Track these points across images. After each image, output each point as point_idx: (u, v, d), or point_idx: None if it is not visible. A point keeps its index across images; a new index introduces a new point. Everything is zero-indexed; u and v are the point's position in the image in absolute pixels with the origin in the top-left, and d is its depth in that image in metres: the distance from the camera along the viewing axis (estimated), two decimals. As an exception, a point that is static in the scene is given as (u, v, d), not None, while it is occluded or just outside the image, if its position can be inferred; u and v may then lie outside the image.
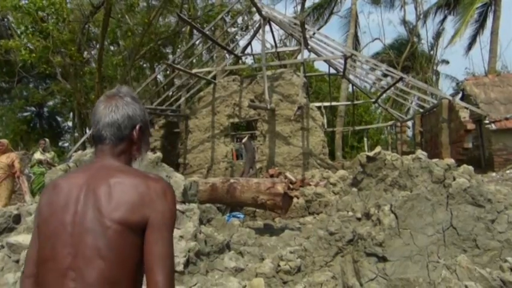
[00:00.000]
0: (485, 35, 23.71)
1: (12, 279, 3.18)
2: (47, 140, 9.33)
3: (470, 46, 25.02)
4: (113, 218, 1.21)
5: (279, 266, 3.75)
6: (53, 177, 4.04)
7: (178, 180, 4.27)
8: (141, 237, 1.24)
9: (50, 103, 27.44)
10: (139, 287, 1.27)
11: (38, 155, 8.80)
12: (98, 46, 16.43)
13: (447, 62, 31.51)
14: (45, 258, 1.24)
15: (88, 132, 15.55)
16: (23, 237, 3.45)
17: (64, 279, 1.19)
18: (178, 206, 4.07)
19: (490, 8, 22.10)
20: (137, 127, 1.40)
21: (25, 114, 26.89)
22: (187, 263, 3.50)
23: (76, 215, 1.24)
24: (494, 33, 20.61)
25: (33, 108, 27.44)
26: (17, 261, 3.29)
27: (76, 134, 24.16)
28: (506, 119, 12.43)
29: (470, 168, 3.80)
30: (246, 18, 18.41)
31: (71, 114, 26.87)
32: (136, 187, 1.26)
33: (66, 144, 30.14)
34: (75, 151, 10.22)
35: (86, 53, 18.62)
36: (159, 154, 4.33)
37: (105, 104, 1.40)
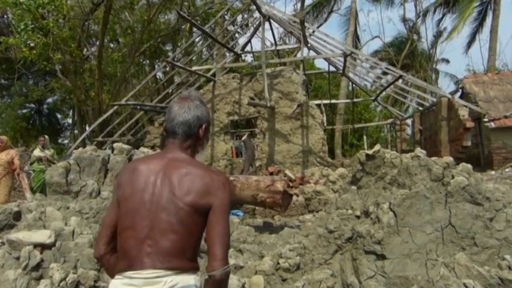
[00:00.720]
0: (485, 33, 23.71)
1: (13, 275, 3.20)
2: (46, 137, 9.33)
3: (469, 44, 25.01)
4: (185, 201, 1.57)
5: (278, 263, 3.77)
6: (54, 174, 4.06)
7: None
8: (204, 218, 1.59)
9: (50, 100, 27.40)
10: (197, 255, 1.66)
11: (37, 152, 8.80)
12: (97, 43, 16.43)
13: (447, 61, 31.46)
14: (126, 226, 1.59)
15: (88, 129, 15.55)
16: (23, 234, 3.47)
17: (142, 244, 1.54)
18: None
19: (489, 6, 22.08)
20: (203, 126, 1.76)
21: (25, 111, 26.84)
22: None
23: (154, 196, 1.59)
24: (493, 31, 20.60)
25: (32, 105, 27.39)
26: (18, 258, 3.30)
27: (76, 131, 24.14)
28: (506, 117, 12.43)
29: (469, 166, 3.82)
30: (245, 16, 18.39)
31: (71, 111, 26.85)
32: (203, 178, 1.62)
33: (65, 141, 30.13)
34: (75, 148, 10.23)
35: (85, 50, 18.60)
36: (159, 152, 4.36)
37: (179, 105, 1.75)
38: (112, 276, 1.65)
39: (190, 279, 1.57)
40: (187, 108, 1.74)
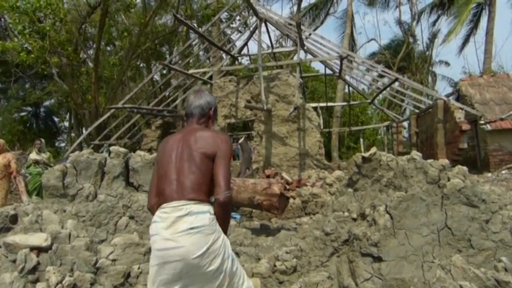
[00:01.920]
0: (480, 35, 23.90)
1: (9, 279, 3.19)
2: (42, 140, 9.32)
3: (463, 46, 25.17)
4: (199, 152, 2.29)
5: (275, 266, 3.77)
6: (50, 177, 4.06)
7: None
8: (212, 162, 2.28)
9: (47, 103, 27.34)
10: (210, 189, 2.28)
11: (33, 155, 8.79)
12: (94, 46, 16.42)
13: (447, 63, 31.56)
14: (161, 176, 2.33)
15: (84, 132, 15.51)
16: (19, 237, 3.45)
17: (171, 185, 2.25)
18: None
19: (484, 8, 22.22)
20: (212, 108, 2.55)
21: (21, 114, 26.79)
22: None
23: (178, 153, 2.33)
24: (489, 33, 20.74)
25: (29, 108, 27.34)
26: (14, 261, 3.29)
27: (73, 134, 24.08)
28: (501, 119, 12.50)
29: (465, 168, 3.83)
30: (242, 18, 18.42)
31: (68, 114, 26.79)
32: (210, 136, 2.36)
33: (62, 145, 30.07)
34: (72, 151, 10.21)
35: (82, 53, 18.59)
36: (155, 155, 4.34)
37: (194, 95, 2.56)
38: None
39: (204, 206, 2.22)
40: (200, 96, 2.53)
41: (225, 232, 2.31)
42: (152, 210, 2.36)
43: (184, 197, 2.19)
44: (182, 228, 2.12)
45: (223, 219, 2.29)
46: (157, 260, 2.17)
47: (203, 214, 2.17)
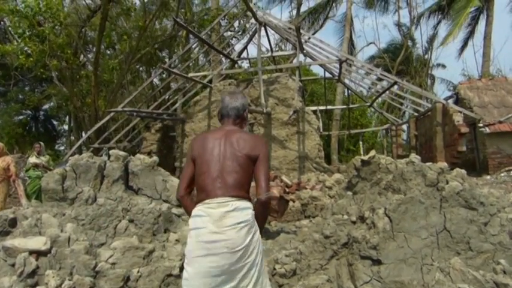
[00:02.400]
0: (478, 39, 24.00)
1: (8, 282, 3.19)
2: (42, 143, 9.32)
3: (462, 49, 25.25)
4: (242, 153, 2.45)
5: (274, 269, 3.78)
6: (50, 181, 4.06)
7: (174, 184, 4.28)
8: (254, 163, 2.47)
9: (46, 106, 27.34)
10: (250, 187, 2.49)
11: (33, 159, 8.79)
12: (94, 50, 16.45)
13: (444, 66, 31.66)
14: (203, 172, 2.45)
15: (84, 135, 15.51)
16: (18, 241, 3.45)
17: (215, 182, 2.39)
18: (175, 210, 4.09)
19: (482, 12, 22.31)
20: (246, 110, 2.73)
21: (21, 117, 26.76)
22: (183, 267, 3.52)
23: (220, 151, 2.46)
24: (487, 37, 20.83)
25: (29, 112, 27.33)
26: (13, 265, 3.29)
27: (72, 138, 24.07)
28: (500, 122, 12.53)
29: (463, 171, 3.85)
30: (242, 22, 18.46)
31: (67, 117, 26.78)
32: (251, 139, 2.53)
33: (62, 148, 30.04)
34: (72, 155, 10.21)
35: (82, 56, 18.61)
36: (155, 158, 4.34)
37: (229, 96, 2.71)
38: (189, 211, 2.53)
39: (247, 203, 2.41)
40: (235, 98, 2.70)
41: (261, 229, 2.52)
42: (182, 200, 2.58)
43: (228, 193, 2.37)
44: (230, 223, 2.32)
45: (262, 217, 2.55)
46: (203, 252, 2.32)
47: (246, 210, 2.38)
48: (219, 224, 2.31)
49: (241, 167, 2.43)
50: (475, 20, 23.33)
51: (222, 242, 2.29)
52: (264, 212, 2.54)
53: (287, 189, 7.55)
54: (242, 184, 2.42)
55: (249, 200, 2.45)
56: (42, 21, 13.03)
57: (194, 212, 2.43)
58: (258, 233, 2.45)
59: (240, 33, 18.19)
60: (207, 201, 2.38)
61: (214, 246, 2.29)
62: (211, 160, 2.45)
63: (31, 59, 12.87)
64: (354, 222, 3.97)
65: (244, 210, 2.37)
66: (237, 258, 2.30)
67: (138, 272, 3.38)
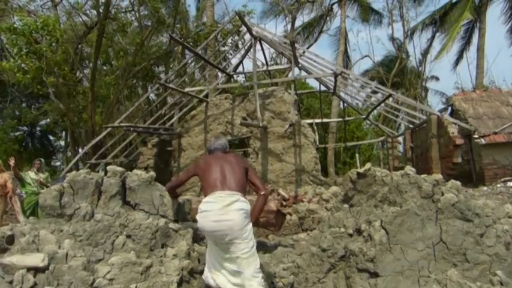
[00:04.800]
0: (472, 51, 24.23)
1: (5, 301, 3.17)
2: (42, 160, 9.33)
3: (457, 62, 25.51)
4: (237, 165, 3.62)
5: (272, 283, 3.78)
6: (47, 197, 4.06)
7: (171, 199, 4.30)
8: (246, 172, 3.66)
9: (43, 122, 27.31)
10: (245, 190, 3.56)
11: (32, 175, 8.77)
12: (91, 66, 16.53)
13: (437, 78, 31.97)
14: (212, 175, 3.52)
15: (81, 151, 15.49)
16: (16, 258, 3.45)
17: (223, 181, 3.46)
18: (172, 225, 4.09)
19: (475, 25, 22.63)
20: (227, 148, 3.98)
21: (17, 133, 26.70)
22: (180, 282, 3.52)
23: (222, 165, 3.59)
24: (480, 49, 21.10)
25: (25, 128, 27.27)
26: (11, 282, 3.28)
27: (69, 153, 24.02)
28: (495, 133, 12.63)
29: (458, 183, 3.88)
30: (237, 37, 18.65)
31: (64, 133, 26.75)
32: (238, 157, 3.80)
33: (58, 164, 29.92)
34: (68, 171, 10.18)
35: (79, 72, 18.69)
36: (152, 173, 4.35)
37: (215, 139, 4.07)
38: (171, 196, 4.31)
39: (245, 199, 3.43)
40: (220, 139, 4.04)
41: (257, 218, 3.79)
42: (170, 192, 4.27)
43: (233, 189, 3.40)
44: (235, 208, 3.29)
45: (260, 208, 3.65)
46: (211, 228, 3.31)
47: (246, 203, 3.40)
48: (227, 208, 3.27)
49: (239, 174, 3.55)
50: (468, 33, 23.64)
51: (226, 222, 3.24)
52: (263, 204, 3.68)
53: (284, 203, 7.56)
54: (242, 185, 3.50)
55: (245, 197, 3.49)
56: (39, 38, 13.11)
57: (206, 199, 3.40)
58: (250, 224, 3.41)
59: (233, 49, 18.34)
60: (217, 192, 3.37)
61: (220, 224, 3.25)
62: (216, 170, 3.55)
63: (28, 75, 12.91)
64: (350, 235, 3.99)
65: (244, 202, 3.37)
66: (235, 234, 3.24)
67: (136, 287, 3.38)
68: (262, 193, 3.57)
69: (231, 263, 3.32)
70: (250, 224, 3.39)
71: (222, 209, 3.25)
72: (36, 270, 3.37)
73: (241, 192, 3.40)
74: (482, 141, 12.63)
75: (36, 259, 3.41)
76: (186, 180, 4.18)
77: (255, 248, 3.38)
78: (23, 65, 13.03)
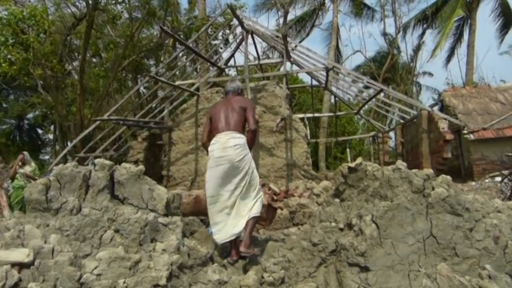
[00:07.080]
0: (463, 48, 24.37)
1: (-10, 296, 3.10)
2: (25, 153, 9.15)
3: (449, 58, 25.65)
4: (237, 106, 4.36)
5: (262, 277, 3.75)
6: (33, 191, 3.97)
7: (160, 193, 4.23)
8: (244, 111, 4.34)
9: (30, 115, 26.93)
10: (244, 127, 4.40)
11: (21, 169, 8.64)
12: (79, 58, 16.30)
13: (431, 74, 32.16)
14: (217, 120, 4.35)
15: (69, 145, 15.29)
16: (0, 253, 3.37)
17: (223, 123, 4.28)
18: (161, 219, 4.03)
19: (466, 21, 22.75)
20: (239, 90, 4.76)
21: (4, 126, 26.33)
22: (170, 277, 3.47)
23: (225, 109, 4.37)
24: (470, 46, 21.25)
25: (12, 121, 26.89)
26: (-5, 278, 3.20)
27: (57, 147, 23.72)
28: (484, 129, 12.74)
29: (448, 178, 3.88)
30: (228, 31, 18.51)
31: (52, 126, 26.41)
32: (241, 98, 4.65)
33: (46, 157, 29.58)
34: (56, 164, 10.04)
35: (67, 64, 18.42)
36: (141, 167, 4.28)
37: (230, 82, 4.81)
38: (208, 150, 4.37)
39: (241, 135, 4.24)
40: (233, 82, 4.75)
41: (251, 149, 4.35)
42: (205, 144, 4.48)
43: (231, 129, 4.17)
44: (230, 144, 4.07)
45: (252, 141, 4.38)
46: (214, 163, 4.12)
47: (241, 139, 4.17)
48: (225, 145, 4.07)
49: (237, 114, 4.26)
50: (459, 29, 23.77)
51: (226, 157, 4.05)
52: (253, 138, 4.39)
53: (275, 197, 7.53)
54: (239, 124, 4.24)
55: (243, 133, 4.27)
56: (26, 29, 12.86)
57: (212, 141, 4.22)
58: (249, 154, 4.23)
59: (225, 42, 18.20)
60: (219, 134, 4.18)
61: (221, 159, 4.06)
62: (220, 115, 4.30)
63: (14, 67, 12.67)
64: (341, 230, 3.97)
65: (238, 138, 4.14)
66: (235, 167, 4.07)
67: (124, 283, 3.32)
68: (251, 128, 4.27)
69: (231, 209, 4.22)
70: (249, 154, 4.23)
71: (222, 147, 4.07)
72: (21, 266, 3.29)
73: (237, 131, 4.18)
74: (472, 136, 12.73)
75: (21, 254, 3.34)
76: (210, 128, 4.58)
77: (256, 180, 4.37)
78: (9, 56, 12.79)
